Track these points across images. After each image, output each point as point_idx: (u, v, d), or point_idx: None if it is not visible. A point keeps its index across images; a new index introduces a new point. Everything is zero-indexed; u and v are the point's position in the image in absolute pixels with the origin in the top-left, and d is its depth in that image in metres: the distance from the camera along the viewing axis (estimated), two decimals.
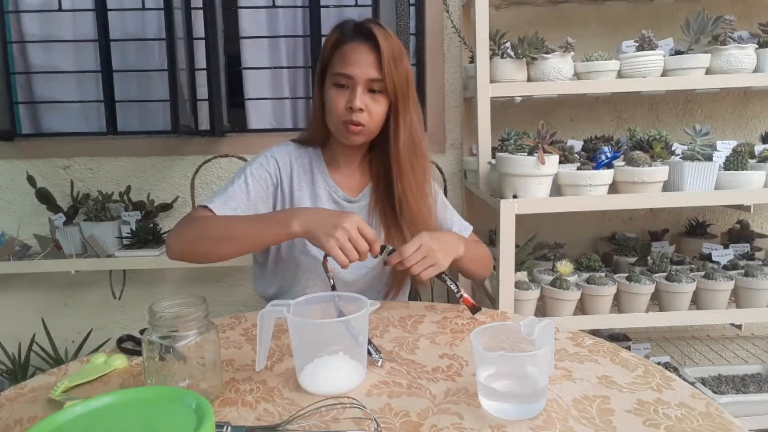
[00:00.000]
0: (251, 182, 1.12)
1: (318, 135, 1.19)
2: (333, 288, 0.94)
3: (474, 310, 1.03)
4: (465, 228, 1.28)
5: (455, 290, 1.02)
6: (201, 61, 2.03)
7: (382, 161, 1.17)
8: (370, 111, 1.09)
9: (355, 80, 1.06)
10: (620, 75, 1.69)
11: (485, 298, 1.84)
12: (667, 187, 1.55)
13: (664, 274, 1.69)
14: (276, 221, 0.98)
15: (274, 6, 2.23)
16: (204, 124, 2.15)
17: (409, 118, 1.11)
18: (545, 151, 1.45)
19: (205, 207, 1.07)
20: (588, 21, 2.10)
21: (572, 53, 1.67)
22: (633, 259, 1.88)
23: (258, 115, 2.30)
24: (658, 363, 1.53)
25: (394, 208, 1.16)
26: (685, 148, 1.58)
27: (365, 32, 1.07)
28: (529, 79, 1.68)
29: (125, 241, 2.04)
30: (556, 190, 1.56)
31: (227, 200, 1.08)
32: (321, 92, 1.15)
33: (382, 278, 1.21)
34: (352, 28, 1.10)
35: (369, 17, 1.17)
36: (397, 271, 1.15)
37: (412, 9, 2.13)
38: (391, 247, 1.01)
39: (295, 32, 2.27)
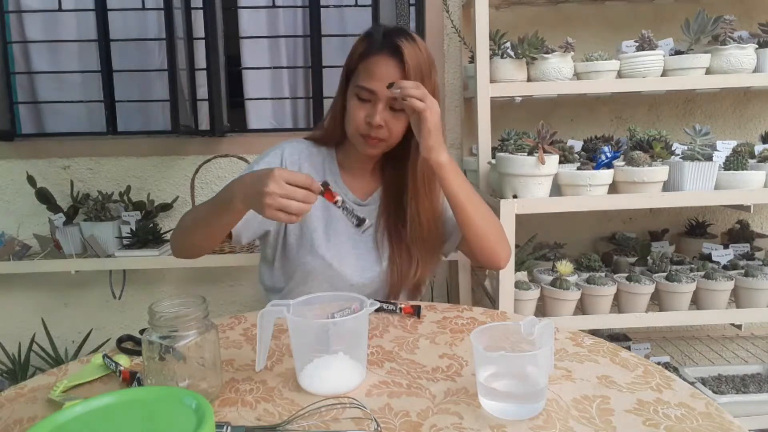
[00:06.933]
0: None
1: (335, 136, 1.17)
2: (359, 221, 0.94)
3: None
4: None
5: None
6: (201, 61, 2.03)
7: (395, 168, 1.15)
8: (390, 127, 1.06)
9: (377, 96, 1.04)
10: (620, 75, 1.69)
11: (485, 298, 1.84)
12: (667, 187, 1.55)
13: (664, 274, 1.69)
14: (222, 204, 0.95)
15: (274, 6, 2.23)
16: (204, 124, 2.15)
17: None
18: (545, 151, 1.45)
19: None
20: (588, 21, 2.10)
21: (572, 53, 1.67)
22: (633, 259, 1.88)
23: (258, 115, 2.30)
24: (658, 363, 1.53)
25: (401, 215, 1.14)
26: (685, 148, 1.58)
27: (393, 46, 1.04)
28: (529, 79, 1.68)
29: (125, 241, 2.04)
30: (556, 190, 1.56)
31: None
32: (343, 97, 1.13)
33: (388, 281, 1.17)
34: (381, 38, 1.06)
35: (400, 26, 1.13)
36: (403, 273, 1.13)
37: (412, 9, 2.12)
38: (329, 185, 0.91)
39: (295, 32, 2.27)
